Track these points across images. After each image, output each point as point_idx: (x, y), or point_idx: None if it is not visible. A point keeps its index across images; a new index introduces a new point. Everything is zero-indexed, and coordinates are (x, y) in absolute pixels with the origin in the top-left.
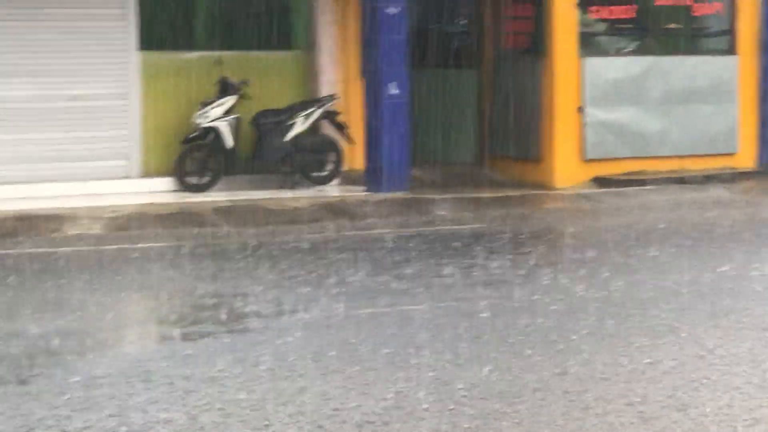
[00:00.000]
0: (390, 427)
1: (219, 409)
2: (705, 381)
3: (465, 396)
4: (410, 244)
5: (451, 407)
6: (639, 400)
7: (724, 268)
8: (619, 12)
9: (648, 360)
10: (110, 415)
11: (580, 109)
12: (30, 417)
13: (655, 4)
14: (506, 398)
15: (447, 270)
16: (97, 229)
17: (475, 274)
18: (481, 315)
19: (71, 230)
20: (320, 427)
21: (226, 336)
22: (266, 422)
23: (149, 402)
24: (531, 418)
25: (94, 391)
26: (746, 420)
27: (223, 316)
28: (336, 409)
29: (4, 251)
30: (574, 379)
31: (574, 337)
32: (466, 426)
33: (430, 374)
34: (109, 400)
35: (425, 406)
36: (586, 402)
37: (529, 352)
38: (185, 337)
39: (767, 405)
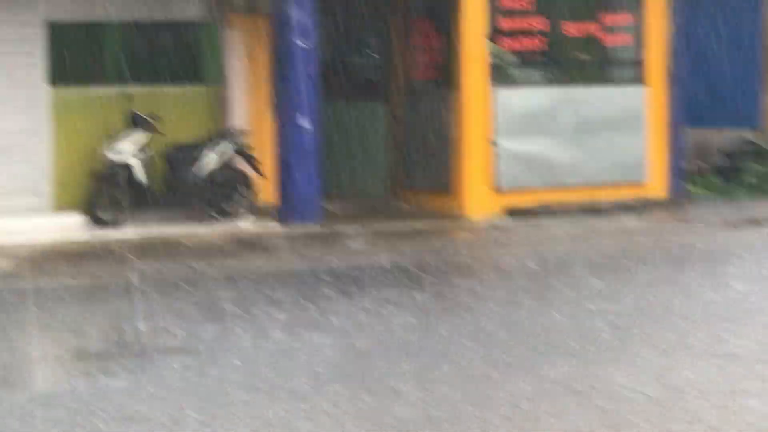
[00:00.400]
0: None
1: None
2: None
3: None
4: (320, 277)
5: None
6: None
7: (624, 298)
8: (530, 43)
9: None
10: None
11: (493, 142)
12: None
13: (565, 34)
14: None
15: (352, 303)
16: (7, 265)
17: (381, 307)
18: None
19: None
20: None
21: (128, 371)
22: None
23: None
24: None
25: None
26: None
27: (129, 351)
28: None
29: None
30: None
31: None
32: None
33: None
34: None
35: None
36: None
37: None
38: (90, 373)
39: None
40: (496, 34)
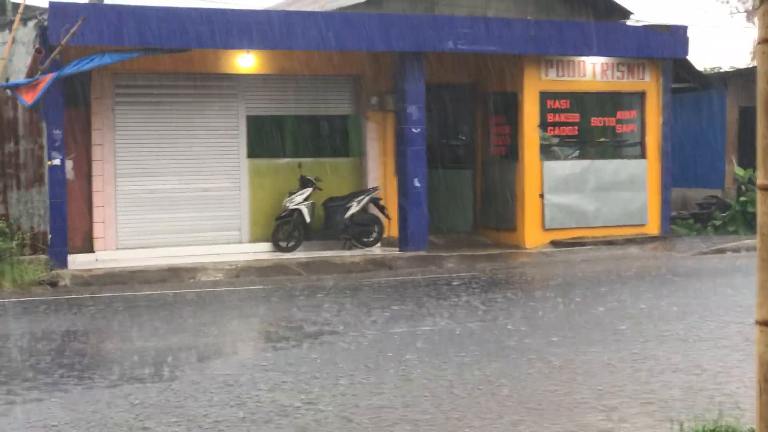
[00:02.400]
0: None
1: (304, 396)
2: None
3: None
4: (429, 285)
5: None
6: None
7: (629, 300)
8: (567, 130)
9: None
10: (237, 404)
11: (541, 196)
12: (179, 409)
13: (591, 125)
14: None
15: (451, 302)
16: (219, 276)
17: (473, 303)
18: (476, 332)
19: (203, 277)
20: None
21: (306, 346)
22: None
23: (266, 391)
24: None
25: (229, 387)
26: None
27: (306, 333)
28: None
29: (159, 292)
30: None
31: (532, 342)
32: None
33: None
34: (236, 392)
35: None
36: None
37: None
38: (277, 347)
39: None
40: (545, 124)
